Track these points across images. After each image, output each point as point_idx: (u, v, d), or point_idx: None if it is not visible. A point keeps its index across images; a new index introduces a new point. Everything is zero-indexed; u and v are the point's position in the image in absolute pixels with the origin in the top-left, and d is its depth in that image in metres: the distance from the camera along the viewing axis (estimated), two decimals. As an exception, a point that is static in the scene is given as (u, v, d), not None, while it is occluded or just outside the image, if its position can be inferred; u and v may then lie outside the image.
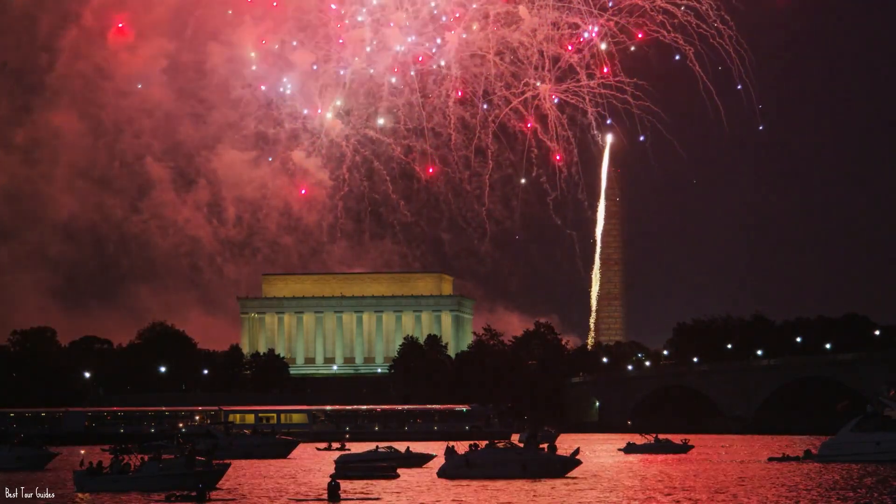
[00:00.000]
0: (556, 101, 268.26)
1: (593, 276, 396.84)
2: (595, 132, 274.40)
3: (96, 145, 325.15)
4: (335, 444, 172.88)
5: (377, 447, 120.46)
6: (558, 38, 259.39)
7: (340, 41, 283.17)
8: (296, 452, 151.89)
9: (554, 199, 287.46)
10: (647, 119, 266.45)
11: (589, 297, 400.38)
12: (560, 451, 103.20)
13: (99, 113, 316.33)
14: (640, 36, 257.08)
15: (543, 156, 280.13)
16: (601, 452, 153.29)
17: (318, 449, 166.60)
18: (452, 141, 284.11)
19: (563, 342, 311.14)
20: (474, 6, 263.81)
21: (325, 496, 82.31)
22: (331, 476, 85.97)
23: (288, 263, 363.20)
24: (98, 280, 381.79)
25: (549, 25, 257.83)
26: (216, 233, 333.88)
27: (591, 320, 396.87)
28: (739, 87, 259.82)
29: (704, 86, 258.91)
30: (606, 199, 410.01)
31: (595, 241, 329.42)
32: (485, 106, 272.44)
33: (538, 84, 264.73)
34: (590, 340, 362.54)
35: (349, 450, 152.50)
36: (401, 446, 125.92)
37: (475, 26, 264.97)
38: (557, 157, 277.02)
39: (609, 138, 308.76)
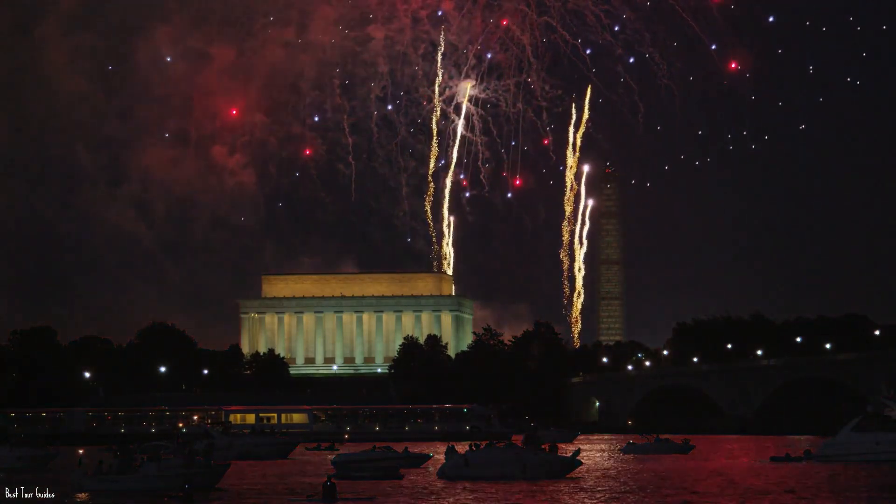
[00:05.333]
0: (480, 97, 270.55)
1: (541, 270, 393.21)
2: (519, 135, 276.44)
3: (21, 140, 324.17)
4: (324, 445, 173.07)
5: (374, 447, 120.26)
6: (486, 38, 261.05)
7: (264, 37, 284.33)
8: (295, 452, 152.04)
9: (472, 196, 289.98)
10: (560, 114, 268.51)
11: (530, 290, 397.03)
12: (560, 452, 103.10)
13: (23, 108, 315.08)
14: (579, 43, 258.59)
15: (470, 152, 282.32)
16: (602, 452, 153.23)
17: (308, 449, 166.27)
18: (375, 137, 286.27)
19: (564, 342, 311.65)
20: (404, 5, 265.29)
21: (322, 496, 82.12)
22: (327, 476, 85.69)
23: (227, 262, 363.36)
24: (50, 278, 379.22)
25: (477, 26, 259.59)
26: (148, 230, 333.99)
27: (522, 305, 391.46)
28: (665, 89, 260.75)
29: (628, 84, 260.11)
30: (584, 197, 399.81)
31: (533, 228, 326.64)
32: (406, 100, 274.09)
33: (466, 83, 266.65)
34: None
35: (338, 450, 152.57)
36: (400, 447, 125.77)
37: (403, 26, 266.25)
38: (484, 154, 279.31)
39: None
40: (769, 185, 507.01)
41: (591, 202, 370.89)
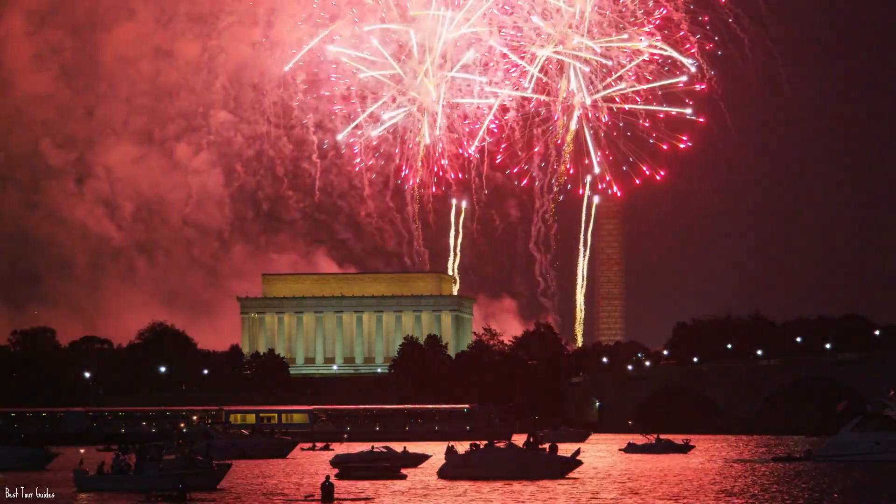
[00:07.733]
0: (448, 96, 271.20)
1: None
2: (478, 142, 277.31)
3: None
4: (319, 445, 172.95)
5: (373, 447, 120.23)
6: (456, 37, 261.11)
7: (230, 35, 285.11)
8: (294, 452, 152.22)
9: (440, 195, 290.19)
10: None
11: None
12: (560, 452, 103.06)
13: None
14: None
15: (438, 152, 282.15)
16: (602, 452, 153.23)
17: (303, 449, 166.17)
18: (341, 136, 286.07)
19: (564, 342, 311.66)
20: (370, 2, 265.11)
21: (320, 496, 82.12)
22: (326, 476, 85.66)
23: (209, 262, 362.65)
24: (24, 277, 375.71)
25: (447, 26, 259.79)
26: (117, 230, 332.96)
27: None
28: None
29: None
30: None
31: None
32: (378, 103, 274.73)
33: (436, 80, 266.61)
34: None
35: (333, 450, 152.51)
36: (400, 447, 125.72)
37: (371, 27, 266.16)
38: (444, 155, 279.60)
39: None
40: (769, 185, 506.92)
41: (554, 225, 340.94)
